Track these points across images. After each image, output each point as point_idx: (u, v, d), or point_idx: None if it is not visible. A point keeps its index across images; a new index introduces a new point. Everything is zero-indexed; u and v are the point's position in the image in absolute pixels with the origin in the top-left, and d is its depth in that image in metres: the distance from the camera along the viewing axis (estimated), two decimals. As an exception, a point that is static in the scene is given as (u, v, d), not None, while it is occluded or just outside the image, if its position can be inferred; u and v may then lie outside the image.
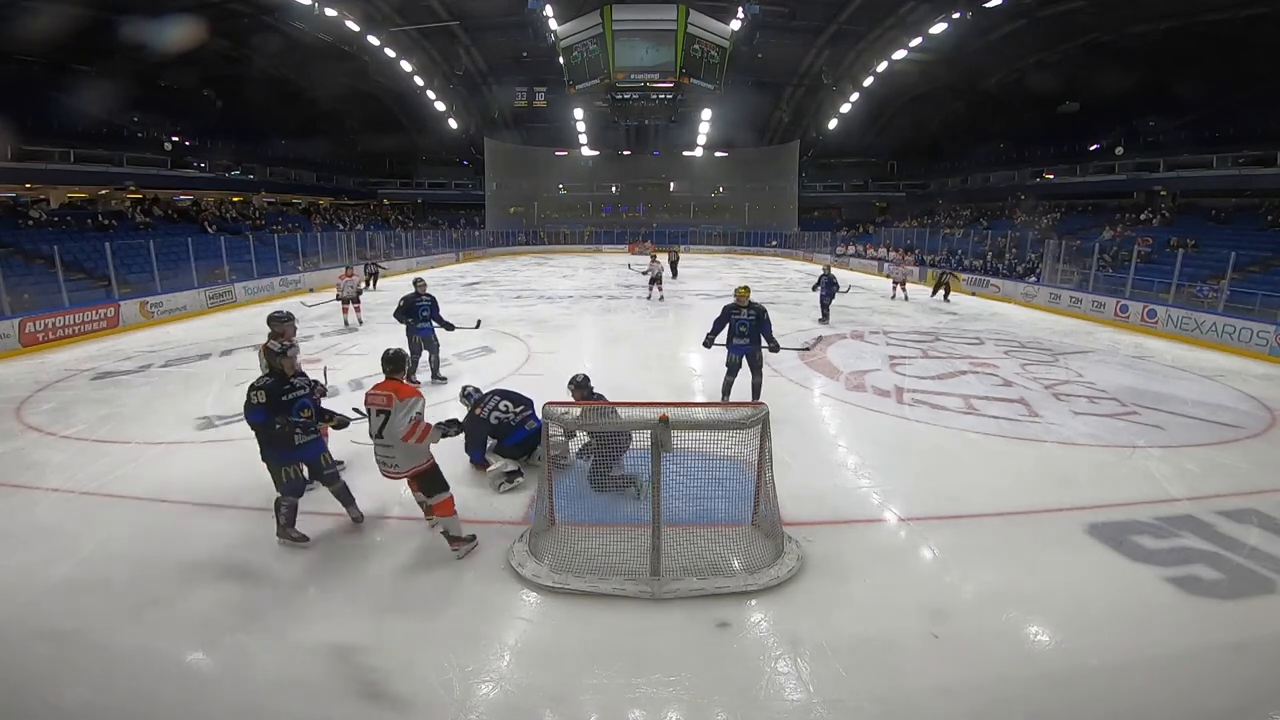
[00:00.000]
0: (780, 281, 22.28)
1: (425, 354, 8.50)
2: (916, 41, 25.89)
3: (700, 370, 9.39)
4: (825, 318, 13.76)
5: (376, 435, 4.02)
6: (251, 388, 4.21)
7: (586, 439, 5.03)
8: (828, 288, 13.82)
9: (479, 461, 5.43)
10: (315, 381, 4.80)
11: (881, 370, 9.38)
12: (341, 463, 5.11)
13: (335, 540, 4.45)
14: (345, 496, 4.55)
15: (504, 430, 5.41)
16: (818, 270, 27.32)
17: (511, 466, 5.27)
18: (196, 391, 8.23)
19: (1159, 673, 3.26)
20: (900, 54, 27.10)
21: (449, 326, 8.46)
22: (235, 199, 27.34)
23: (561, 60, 27.56)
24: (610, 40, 25.99)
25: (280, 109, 30.98)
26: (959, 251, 24.17)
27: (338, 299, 13.17)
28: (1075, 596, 3.83)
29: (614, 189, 43.71)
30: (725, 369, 7.19)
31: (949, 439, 6.52)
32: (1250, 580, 4.00)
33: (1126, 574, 4.07)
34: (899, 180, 39.21)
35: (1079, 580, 3.99)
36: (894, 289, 18.85)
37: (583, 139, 39.84)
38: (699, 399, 7.90)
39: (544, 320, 14.08)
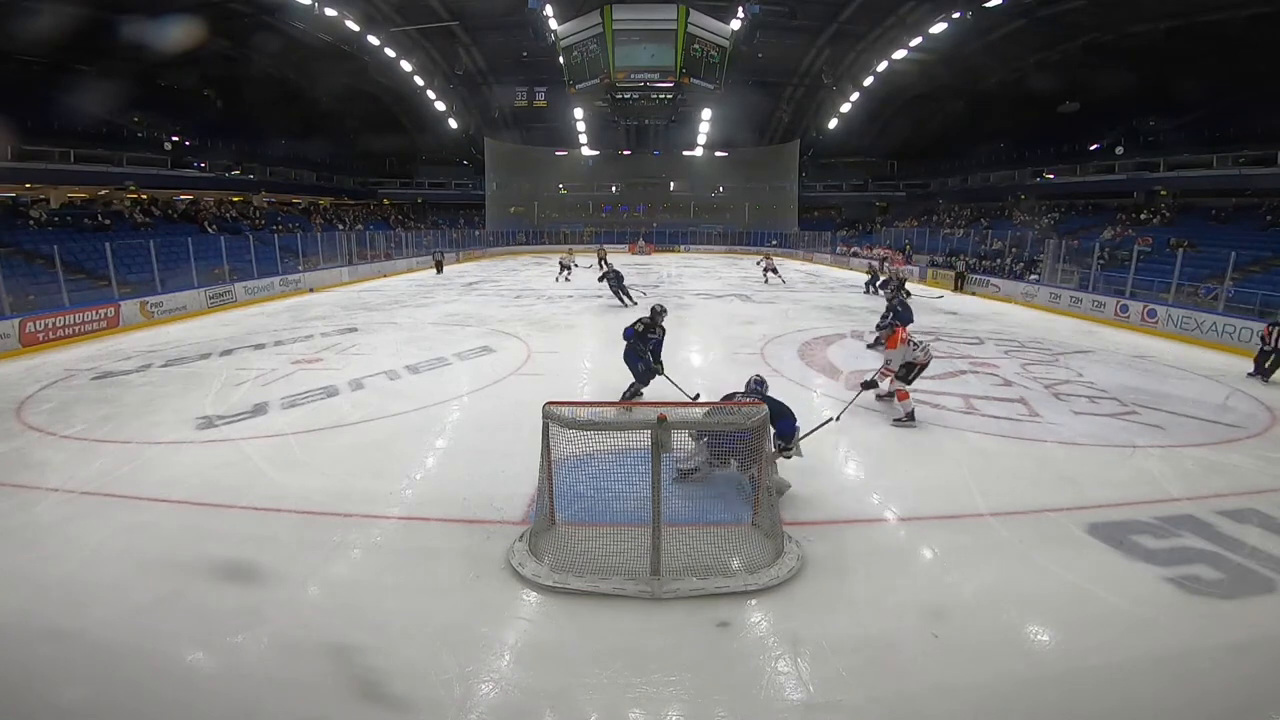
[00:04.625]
0: (780, 282, 22.25)
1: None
2: (916, 41, 25.89)
3: (700, 370, 9.39)
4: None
5: None
6: None
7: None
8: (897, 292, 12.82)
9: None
10: None
11: (881, 370, 9.37)
12: None
13: (335, 540, 4.45)
14: None
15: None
16: (820, 270, 27.15)
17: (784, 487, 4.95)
18: (196, 391, 8.23)
19: (1159, 673, 3.26)
20: (900, 54, 27.09)
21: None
22: (235, 199, 27.34)
23: (561, 60, 27.54)
24: (610, 40, 25.97)
25: (280, 109, 30.96)
26: (961, 252, 24.17)
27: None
28: (1075, 596, 3.84)
29: (614, 189, 43.70)
30: None
31: (949, 439, 6.52)
32: (1250, 580, 4.01)
33: (1126, 574, 4.07)
34: (899, 180, 39.17)
35: (1079, 580, 3.99)
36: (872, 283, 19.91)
37: (583, 139, 39.82)
38: (699, 399, 7.88)
39: (544, 320, 14.07)
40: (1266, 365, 9.36)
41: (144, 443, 6.37)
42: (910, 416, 6.84)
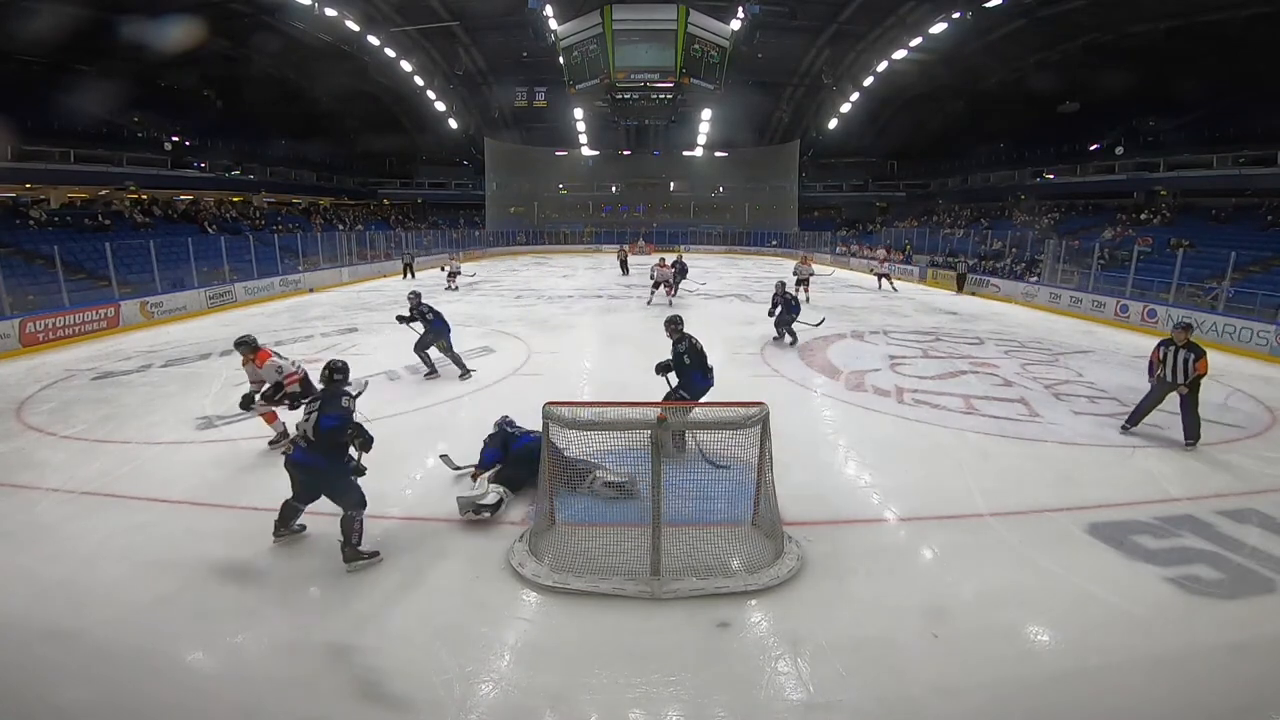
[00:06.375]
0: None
1: None
2: (916, 41, 25.89)
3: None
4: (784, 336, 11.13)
5: None
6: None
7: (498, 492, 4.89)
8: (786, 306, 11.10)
9: (487, 463, 5.23)
10: None
11: (882, 370, 9.38)
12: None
13: (334, 540, 4.45)
14: None
15: (513, 439, 5.36)
16: (835, 270, 26.99)
17: (491, 499, 4.79)
18: (196, 391, 8.22)
19: (1159, 673, 3.26)
20: (900, 54, 27.09)
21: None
22: (235, 199, 27.34)
23: (561, 60, 27.53)
24: (610, 40, 25.96)
25: (280, 109, 30.99)
26: (961, 253, 24.18)
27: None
28: (1075, 596, 3.84)
29: (614, 189, 43.70)
30: None
31: (949, 439, 6.51)
32: (1250, 580, 4.01)
33: (1126, 574, 4.07)
34: (899, 180, 39.17)
35: (1079, 580, 3.99)
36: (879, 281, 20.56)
37: (583, 139, 39.81)
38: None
39: (544, 320, 14.07)
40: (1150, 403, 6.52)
41: (144, 443, 6.37)
42: (283, 437, 5.98)
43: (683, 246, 39.69)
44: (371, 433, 4.18)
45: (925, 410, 7.43)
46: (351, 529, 4.08)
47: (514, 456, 5.23)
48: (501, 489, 4.94)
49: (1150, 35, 22.51)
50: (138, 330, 13.04)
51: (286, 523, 4.37)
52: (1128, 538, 4.47)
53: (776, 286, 11.53)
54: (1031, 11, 23.38)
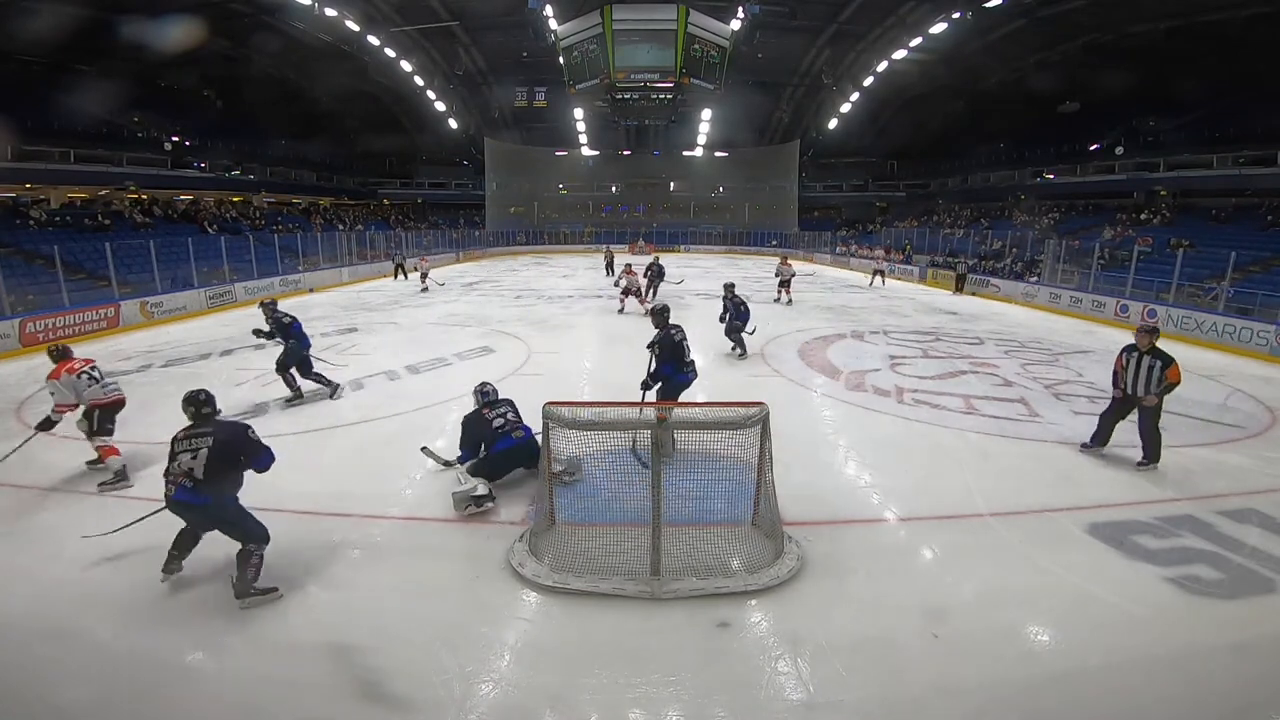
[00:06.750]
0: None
1: None
2: (916, 41, 25.92)
3: (700, 370, 9.37)
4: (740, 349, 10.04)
5: None
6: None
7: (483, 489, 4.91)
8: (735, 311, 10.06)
9: (465, 461, 5.27)
10: None
11: (882, 370, 9.38)
12: None
13: (335, 540, 4.45)
14: None
15: (495, 437, 5.34)
16: (816, 269, 27.04)
17: (482, 490, 4.83)
18: (196, 391, 8.20)
19: (1159, 673, 3.26)
20: (900, 54, 27.11)
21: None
22: (235, 199, 27.36)
23: (561, 60, 27.54)
24: (610, 40, 25.96)
25: (280, 109, 31.00)
26: (961, 253, 24.19)
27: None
28: (1075, 596, 3.84)
29: (614, 189, 43.73)
30: None
31: (949, 439, 6.51)
32: (1250, 580, 4.01)
33: (1126, 574, 4.07)
34: (899, 180, 39.21)
35: (1079, 580, 3.99)
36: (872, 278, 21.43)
37: (583, 139, 39.84)
38: (699, 399, 7.88)
39: (544, 320, 14.08)
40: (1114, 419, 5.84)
41: (144, 443, 6.36)
42: (121, 475, 5.42)
43: (683, 247, 39.77)
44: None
45: (925, 410, 7.42)
46: (248, 564, 3.71)
47: (496, 456, 5.23)
48: (483, 480, 4.97)
49: (1150, 35, 22.54)
50: (138, 330, 13.04)
51: (183, 553, 3.98)
52: (1128, 538, 4.47)
53: (725, 289, 10.36)
54: (1031, 11, 23.41)
